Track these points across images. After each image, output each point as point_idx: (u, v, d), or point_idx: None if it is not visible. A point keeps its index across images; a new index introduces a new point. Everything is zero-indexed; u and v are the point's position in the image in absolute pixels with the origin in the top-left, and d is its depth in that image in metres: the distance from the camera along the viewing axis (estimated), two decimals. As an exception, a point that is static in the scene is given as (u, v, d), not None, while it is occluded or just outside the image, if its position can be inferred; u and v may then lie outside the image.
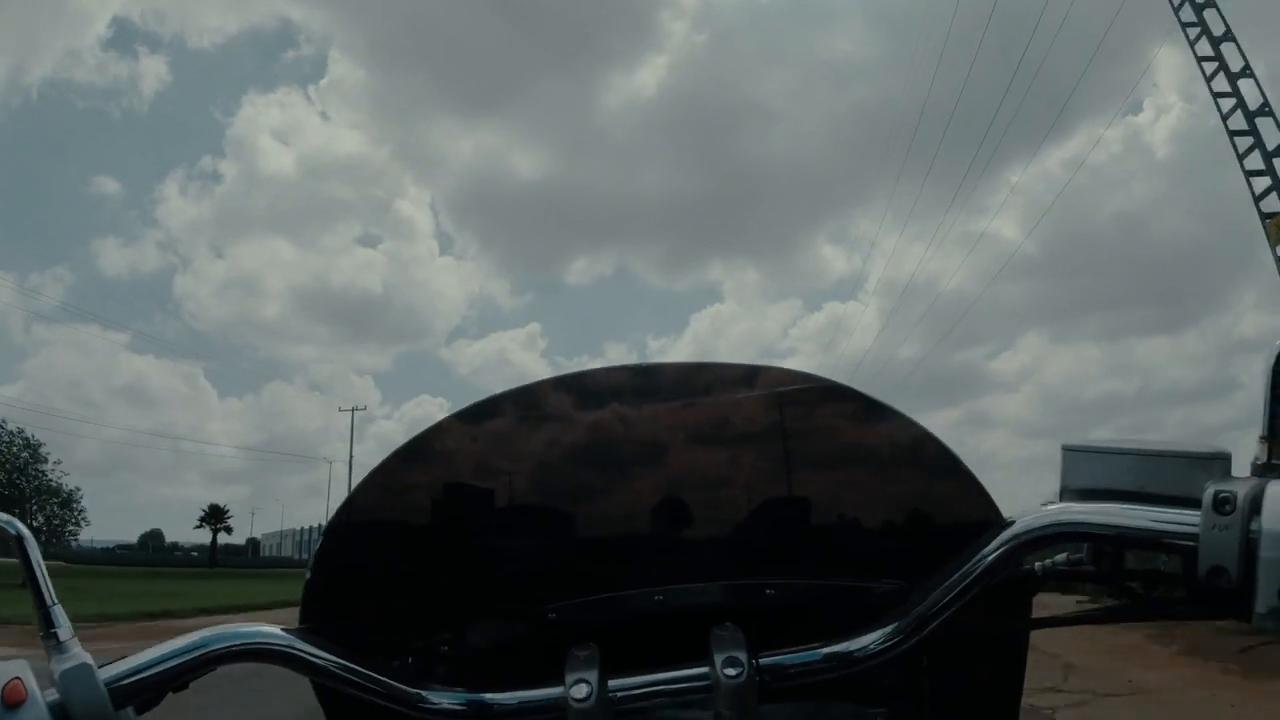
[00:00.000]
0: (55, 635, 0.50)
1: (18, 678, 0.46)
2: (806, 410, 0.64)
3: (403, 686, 0.53)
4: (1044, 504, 0.52)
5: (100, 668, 0.49)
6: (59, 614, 0.51)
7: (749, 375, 0.64)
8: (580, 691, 0.50)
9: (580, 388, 0.65)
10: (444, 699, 0.53)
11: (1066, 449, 0.51)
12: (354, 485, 0.64)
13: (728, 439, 0.65)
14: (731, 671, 0.49)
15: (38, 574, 0.52)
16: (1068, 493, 0.51)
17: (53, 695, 0.47)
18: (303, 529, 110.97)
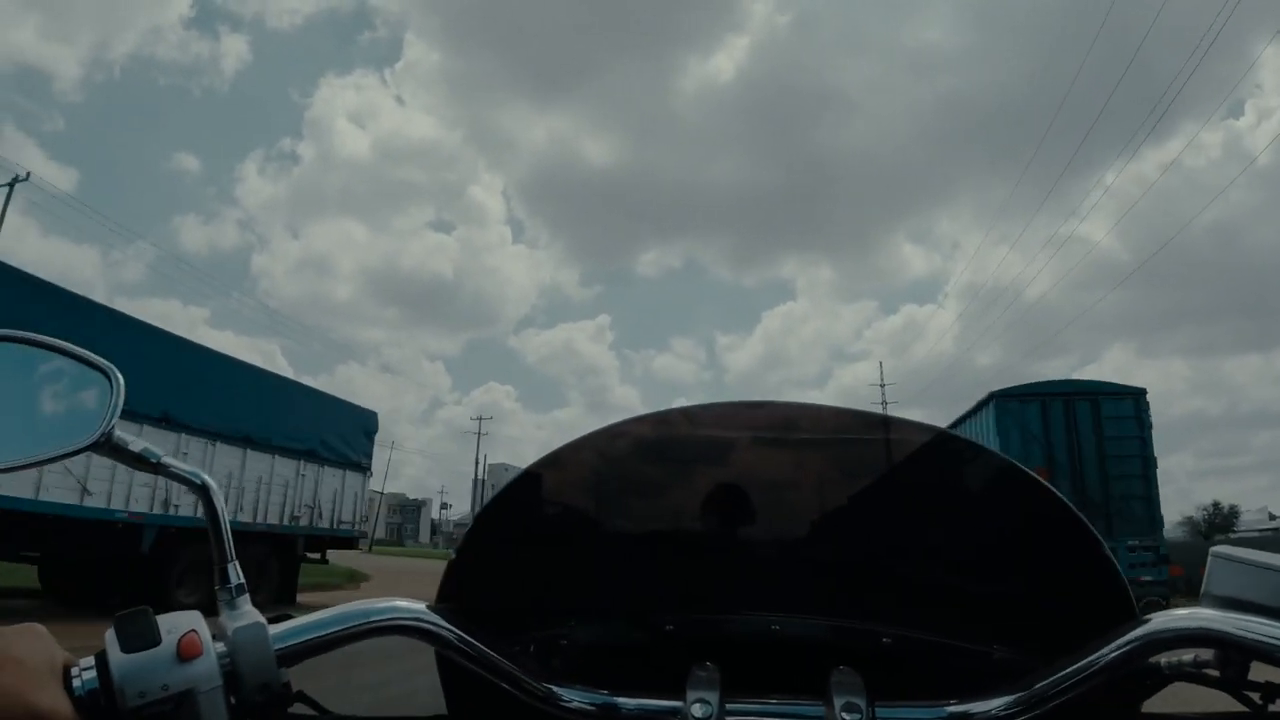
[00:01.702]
0: (230, 590, 0.52)
1: (194, 630, 0.47)
2: (949, 466, 0.66)
3: (531, 679, 0.55)
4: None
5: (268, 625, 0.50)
6: (236, 569, 0.53)
7: (883, 422, 0.67)
8: (699, 710, 0.51)
9: (716, 419, 0.69)
10: (572, 695, 0.55)
11: (1215, 555, 0.53)
12: (508, 481, 0.68)
13: (858, 482, 0.68)
14: (849, 717, 0.50)
15: (222, 526, 0.53)
16: (1208, 597, 0.52)
17: (223, 649, 0.48)
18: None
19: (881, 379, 40.86)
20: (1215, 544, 0.55)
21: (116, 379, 0.54)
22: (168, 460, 0.55)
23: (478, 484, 56.81)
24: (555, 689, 0.55)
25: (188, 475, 0.55)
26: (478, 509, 0.72)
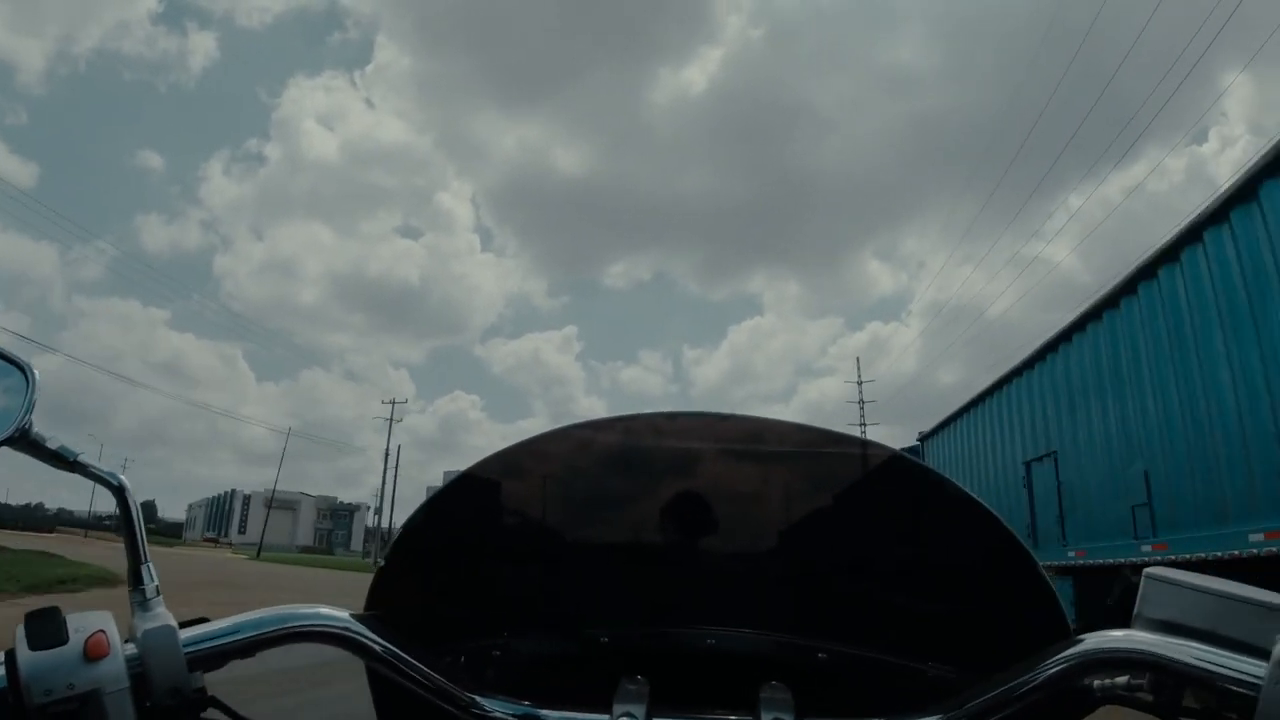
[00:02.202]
0: (143, 591, 0.51)
1: (102, 630, 0.47)
2: (882, 481, 0.65)
3: (458, 690, 0.54)
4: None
5: (180, 628, 0.50)
6: (149, 571, 0.52)
7: (826, 438, 0.66)
8: None
9: (657, 427, 0.67)
10: (496, 707, 0.54)
11: (1149, 576, 0.52)
12: (438, 489, 0.67)
13: (797, 495, 0.67)
14: None
15: (136, 528, 0.53)
16: (1140, 619, 0.52)
17: (132, 650, 0.48)
18: (215, 497, 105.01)
19: (859, 376, 40.62)
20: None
21: (32, 374, 0.54)
22: (85, 459, 0.54)
23: (387, 473, 51.69)
24: (480, 699, 0.55)
25: (104, 476, 0.54)
26: (403, 510, 0.69)
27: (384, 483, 51.80)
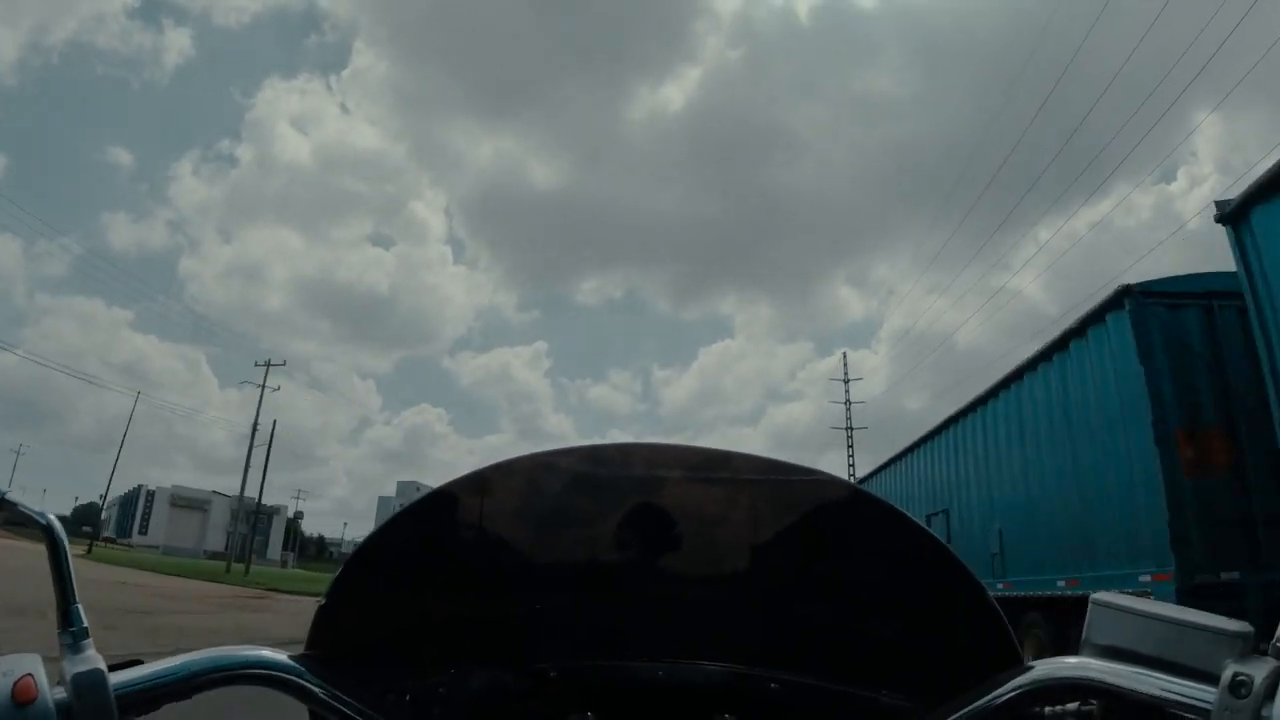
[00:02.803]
0: (72, 633, 0.49)
1: (29, 674, 0.45)
2: (837, 511, 0.65)
3: None
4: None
5: (110, 671, 0.48)
6: (78, 612, 0.50)
7: (781, 469, 0.65)
8: None
9: (607, 459, 0.66)
10: None
11: (1096, 602, 0.52)
12: (380, 522, 0.64)
13: (747, 525, 0.67)
14: None
15: (65, 569, 0.51)
16: (1089, 646, 0.52)
17: (61, 694, 0.46)
18: (125, 494, 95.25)
19: (845, 374, 36.22)
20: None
21: None
22: (12, 497, 0.51)
23: (252, 454, 40.14)
24: None
25: (33, 515, 0.51)
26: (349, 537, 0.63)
27: (247, 468, 40.89)
